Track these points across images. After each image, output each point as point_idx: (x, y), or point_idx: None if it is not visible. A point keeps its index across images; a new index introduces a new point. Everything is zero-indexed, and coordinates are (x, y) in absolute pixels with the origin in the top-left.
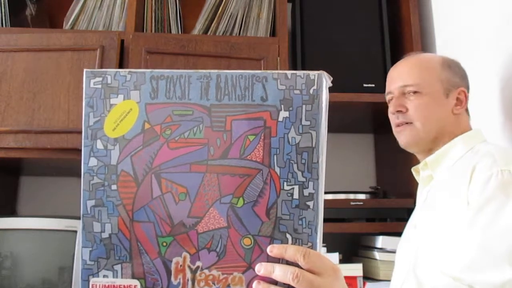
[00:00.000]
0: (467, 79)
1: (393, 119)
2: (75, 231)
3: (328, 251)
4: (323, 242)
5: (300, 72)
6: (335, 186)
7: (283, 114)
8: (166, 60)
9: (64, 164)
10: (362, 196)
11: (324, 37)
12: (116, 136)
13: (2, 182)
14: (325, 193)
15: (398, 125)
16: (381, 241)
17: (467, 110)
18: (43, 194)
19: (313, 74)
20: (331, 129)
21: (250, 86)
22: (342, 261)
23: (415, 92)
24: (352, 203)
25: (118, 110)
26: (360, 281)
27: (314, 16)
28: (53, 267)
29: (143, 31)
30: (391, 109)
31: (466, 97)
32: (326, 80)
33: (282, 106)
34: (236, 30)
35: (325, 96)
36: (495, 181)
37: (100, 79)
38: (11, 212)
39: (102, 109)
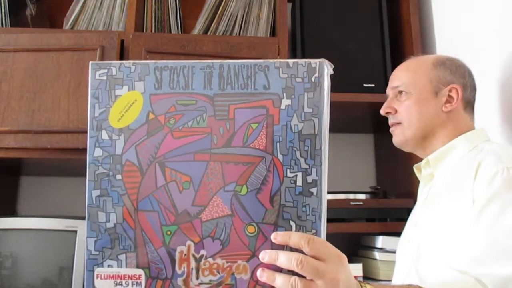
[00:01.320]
0: (465, 77)
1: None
2: (75, 231)
3: None
4: None
5: (301, 60)
6: (335, 186)
7: (286, 102)
8: (166, 60)
9: (64, 164)
10: (362, 196)
11: (324, 37)
12: (121, 126)
13: (2, 182)
14: None
15: (391, 126)
16: (381, 241)
17: (472, 108)
18: (43, 194)
19: (314, 62)
20: (331, 129)
21: (252, 75)
22: None
23: (403, 93)
24: (352, 203)
25: (123, 101)
26: None
27: (314, 16)
28: (53, 267)
29: (143, 31)
30: (381, 110)
31: (459, 94)
32: (327, 68)
33: (285, 94)
34: (236, 30)
35: (326, 83)
36: (501, 179)
37: (105, 70)
38: (11, 212)
39: (107, 100)
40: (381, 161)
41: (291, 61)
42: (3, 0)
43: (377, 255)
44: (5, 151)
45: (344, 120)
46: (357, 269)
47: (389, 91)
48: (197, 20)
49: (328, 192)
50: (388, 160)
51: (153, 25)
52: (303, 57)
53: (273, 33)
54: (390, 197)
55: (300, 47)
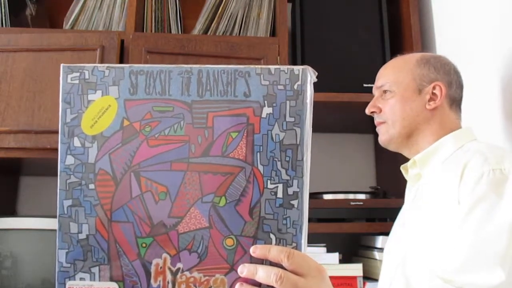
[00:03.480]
0: (450, 74)
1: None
2: None
3: (328, 251)
4: (323, 242)
5: (284, 67)
6: (335, 186)
7: (267, 110)
8: (166, 60)
9: None
10: (362, 196)
11: (324, 37)
12: (94, 133)
13: (2, 182)
14: (325, 193)
15: (376, 125)
16: (381, 241)
17: (458, 106)
18: (43, 194)
19: (297, 69)
20: (331, 129)
21: (232, 81)
22: (342, 261)
23: (388, 92)
24: (352, 203)
25: (96, 107)
26: (360, 281)
27: (314, 16)
28: (53, 267)
29: (143, 31)
30: (366, 110)
31: (443, 92)
32: (310, 75)
33: (266, 102)
34: (236, 30)
35: (309, 91)
36: (487, 180)
37: (78, 74)
38: (11, 212)
39: (80, 106)
40: (381, 161)
41: (273, 67)
42: (3, 0)
43: (377, 255)
44: (5, 151)
45: (344, 120)
46: (357, 269)
47: (374, 90)
48: (197, 20)
49: (328, 192)
50: (388, 160)
51: (153, 25)
52: (303, 57)
53: (273, 33)
54: (390, 197)
55: (300, 47)
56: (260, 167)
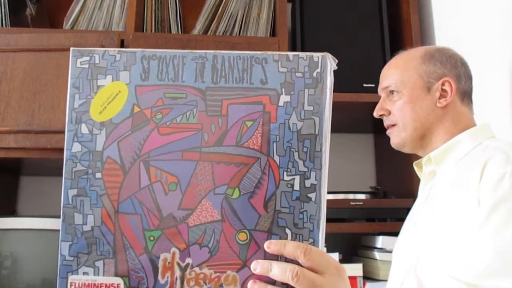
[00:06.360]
0: (458, 67)
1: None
2: None
3: (328, 251)
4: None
5: (303, 54)
6: (335, 186)
7: (284, 98)
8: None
9: None
10: (362, 196)
11: (324, 37)
12: (102, 120)
13: (2, 182)
14: None
15: (386, 128)
16: (381, 241)
17: (469, 99)
18: (43, 194)
19: (316, 56)
20: (331, 129)
21: (248, 68)
22: (342, 261)
23: (395, 92)
24: (352, 203)
25: (106, 92)
26: (360, 281)
27: (314, 16)
28: (53, 267)
29: (143, 31)
30: (374, 113)
31: (453, 87)
32: (330, 63)
33: (283, 89)
34: (236, 30)
35: (329, 79)
36: (509, 180)
37: (88, 58)
38: (11, 212)
39: (89, 91)
40: (381, 161)
41: (291, 54)
42: (3, 0)
43: (377, 255)
44: (5, 151)
45: (344, 120)
46: (357, 269)
47: (380, 91)
48: (197, 20)
49: (328, 192)
50: (388, 160)
51: (153, 25)
52: None
53: (273, 33)
54: (390, 197)
55: (300, 47)
56: (276, 158)
